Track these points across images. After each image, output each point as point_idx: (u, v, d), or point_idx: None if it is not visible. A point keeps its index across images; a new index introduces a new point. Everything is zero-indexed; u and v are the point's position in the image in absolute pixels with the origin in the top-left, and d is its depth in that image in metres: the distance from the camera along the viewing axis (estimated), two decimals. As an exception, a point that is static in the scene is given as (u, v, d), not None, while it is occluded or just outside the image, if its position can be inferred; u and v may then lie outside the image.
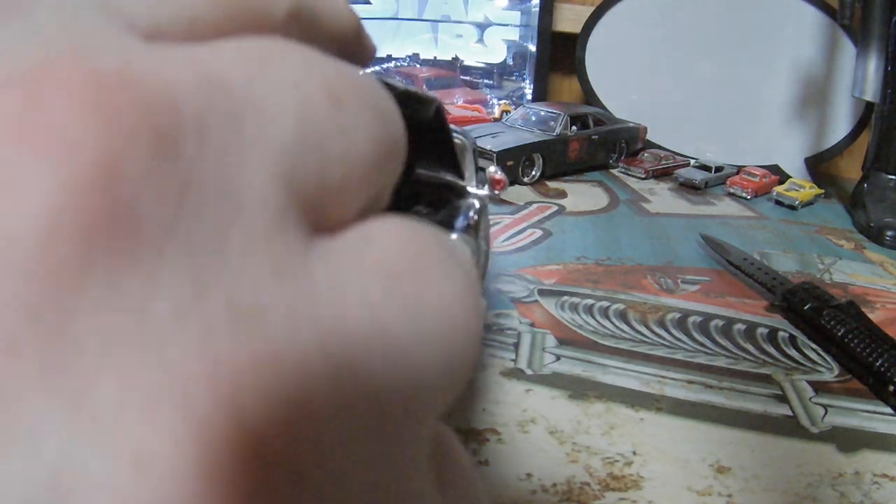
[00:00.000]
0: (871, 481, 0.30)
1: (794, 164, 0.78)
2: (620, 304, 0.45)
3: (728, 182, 0.73)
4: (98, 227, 0.06)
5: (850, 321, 0.39)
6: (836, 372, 0.38)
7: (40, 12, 0.07)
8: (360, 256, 0.08)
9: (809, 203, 0.70)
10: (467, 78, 0.92)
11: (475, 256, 0.24)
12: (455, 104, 0.87)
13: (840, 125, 0.77)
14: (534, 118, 0.73)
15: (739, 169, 0.75)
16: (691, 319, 0.43)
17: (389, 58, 0.91)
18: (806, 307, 0.42)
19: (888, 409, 0.35)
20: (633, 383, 0.36)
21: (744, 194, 0.71)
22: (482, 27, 0.90)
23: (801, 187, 0.71)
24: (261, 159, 0.08)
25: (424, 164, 0.19)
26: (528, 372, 0.36)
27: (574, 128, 0.72)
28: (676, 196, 0.71)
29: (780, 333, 0.42)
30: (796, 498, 0.28)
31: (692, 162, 0.79)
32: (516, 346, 0.39)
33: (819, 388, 0.37)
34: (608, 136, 0.76)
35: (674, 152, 0.80)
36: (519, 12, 0.89)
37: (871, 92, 0.65)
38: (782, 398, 0.35)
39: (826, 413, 0.34)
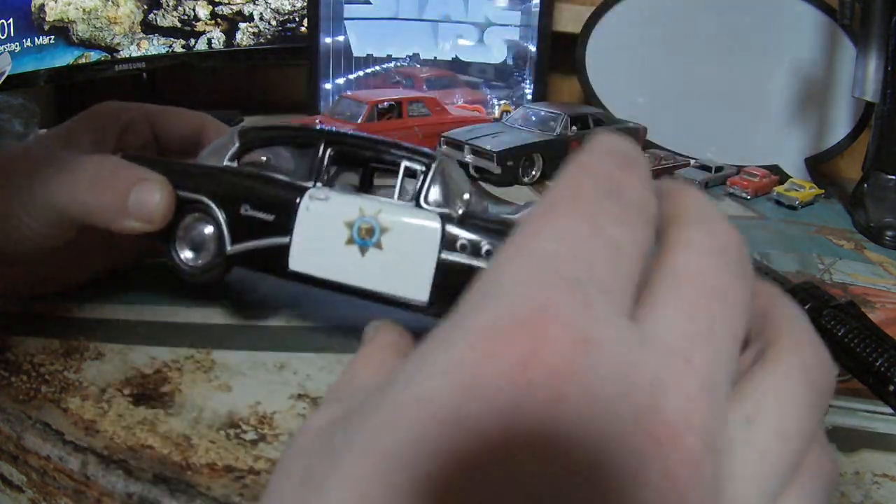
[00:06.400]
0: (871, 481, 0.30)
1: (794, 164, 0.78)
2: (620, 304, 0.45)
3: (728, 182, 0.73)
4: None
5: (850, 321, 0.39)
6: (836, 372, 0.38)
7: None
8: None
9: (809, 203, 0.70)
10: (467, 78, 0.92)
11: None
12: (455, 104, 0.87)
13: (840, 125, 0.77)
14: (534, 118, 0.73)
15: (739, 169, 0.75)
16: (691, 319, 0.43)
17: (389, 58, 0.91)
18: (806, 307, 0.42)
19: (888, 409, 0.35)
20: (633, 383, 0.36)
21: (744, 194, 0.71)
22: (482, 27, 0.90)
23: (801, 187, 0.70)
24: None
25: None
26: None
27: (574, 128, 0.72)
28: (676, 196, 0.71)
29: (780, 333, 0.42)
30: (796, 498, 0.28)
31: (692, 162, 0.79)
32: (516, 346, 0.39)
33: (819, 388, 0.37)
34: (608, 136, 0.76)
35: (674, 152, 0.80)
36: (519, 12, 0.89)
37: (871, 92, 0.65)
38: (782, 398, 0.35)
39: (826, 413, 0.34)
